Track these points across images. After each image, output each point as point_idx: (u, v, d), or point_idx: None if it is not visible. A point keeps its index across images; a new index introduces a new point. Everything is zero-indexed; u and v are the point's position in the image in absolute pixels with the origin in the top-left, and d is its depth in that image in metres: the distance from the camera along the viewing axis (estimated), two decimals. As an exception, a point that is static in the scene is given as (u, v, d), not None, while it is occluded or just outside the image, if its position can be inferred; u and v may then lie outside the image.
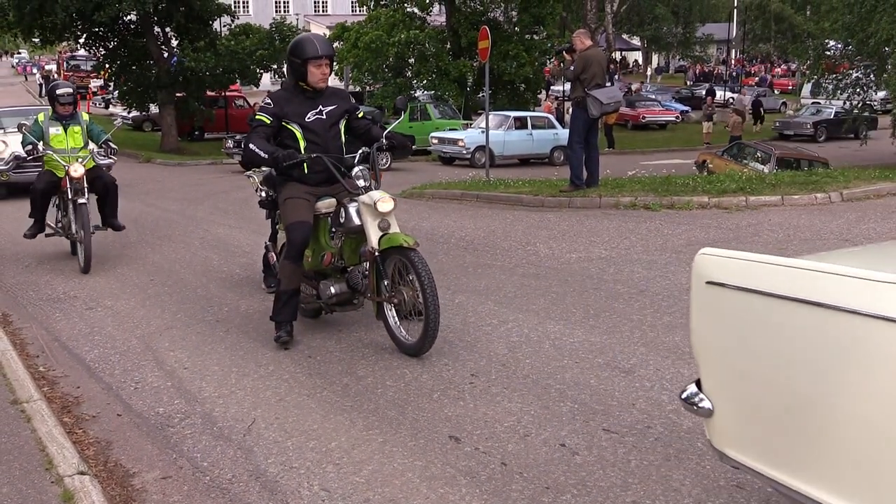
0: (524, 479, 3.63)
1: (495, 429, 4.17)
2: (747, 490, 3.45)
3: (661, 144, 33.26)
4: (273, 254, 6.53)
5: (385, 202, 5.15)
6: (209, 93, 31.81)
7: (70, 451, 3.95)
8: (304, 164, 5.45)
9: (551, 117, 27.69)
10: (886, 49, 19.03)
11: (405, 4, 31.71)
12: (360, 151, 6.44)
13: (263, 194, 7.68)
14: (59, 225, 8.99)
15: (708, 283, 2.69)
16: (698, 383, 2.78)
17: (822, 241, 7.99)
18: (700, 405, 2.73)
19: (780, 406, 2.46)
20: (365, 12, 33.81)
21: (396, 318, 5.32)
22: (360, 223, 5.28)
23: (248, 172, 8.13)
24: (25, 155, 8.79)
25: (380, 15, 31.37)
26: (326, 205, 5.60)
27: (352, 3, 53.37)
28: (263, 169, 6.89)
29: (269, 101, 5.55)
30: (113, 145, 8.87)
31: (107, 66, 30.59)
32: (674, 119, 41.28)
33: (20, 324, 6.52)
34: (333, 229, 5.68)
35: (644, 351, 5.18)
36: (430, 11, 32.01)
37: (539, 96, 35.70)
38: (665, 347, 5.19)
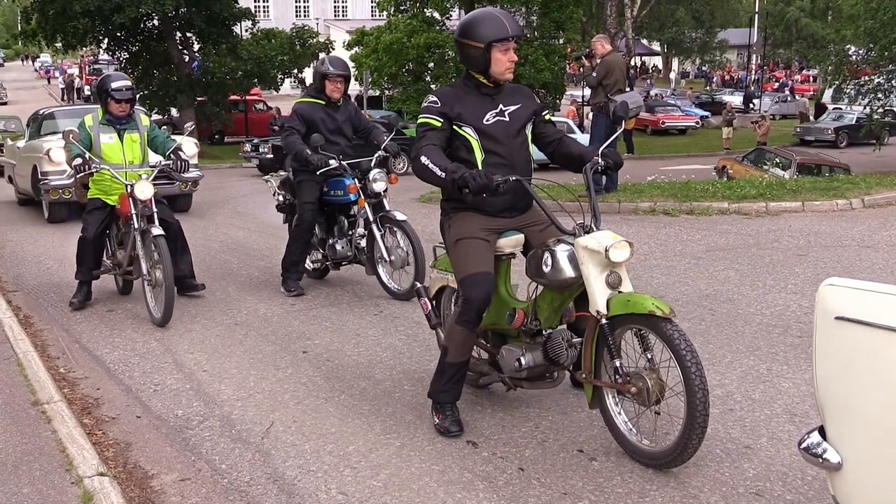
0: (541, 485, 3.62)
1: (513, 434, 4.16)
2: (766, 498, 3.43)
3: (681, 150, 33.15)
4: (426, 300, 4.80)
5: (620, 249, 3.62)
6: (232, 97, 32.06)
7: (90, 453, 3.97)
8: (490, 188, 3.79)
9: (571, 122, 27.63)
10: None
11: (424, 9, 31.75)
12: (375, 156, 6.23)
13: (281, 198, 7.56)
14: (112, 261, 7.11)
15: (837, 318, 2.39)
16: (822, 431, 2.51)
17: (844, 248, 7.93)
18: (825, 457, 2.45)
19: None
20: (385, 17, 33.87)
21: (624, 413, 3.86)
22: (575, 275, 3.77)
23: (266, 176, 8.07)
24: (77, 171, 6.41)
25: (399, 20, 31.43)
26: (512, 243, 4.17)
27: (371, 7, 53.47)
28: (281, 172, 6.85)
29: (435, 98, 4.10)
30: (185, 155, 6.81)
31: (129, 70, 30.83)
32: (693, 124, 41.14)
33: (41, 326, 6.57)
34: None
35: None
36: (450, 16, 32.04)
37: (558, 101, 35.62)
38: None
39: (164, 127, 17.18)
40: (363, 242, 7.04)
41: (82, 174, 6.40)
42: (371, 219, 6.87)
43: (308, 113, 6.96)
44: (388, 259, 6.84)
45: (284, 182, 7.56)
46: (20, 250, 10.13)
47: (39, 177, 11.81)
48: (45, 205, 12.29)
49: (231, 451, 4.11)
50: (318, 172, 6.84)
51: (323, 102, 6.99)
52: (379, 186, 6.84)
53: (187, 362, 5.53)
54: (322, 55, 7.08)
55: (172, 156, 6.70)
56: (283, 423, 4.42)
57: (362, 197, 6.90)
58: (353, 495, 3.60)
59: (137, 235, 6.43)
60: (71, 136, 6.37)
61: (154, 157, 7.08)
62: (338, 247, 7.18)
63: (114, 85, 6.64)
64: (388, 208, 6.89)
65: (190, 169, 7.18)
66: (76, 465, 3.84)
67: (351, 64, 34.67)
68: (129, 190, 6.40)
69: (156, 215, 6.44)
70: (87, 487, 3.62)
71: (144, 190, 6.32)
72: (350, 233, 7.18)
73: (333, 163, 6.78)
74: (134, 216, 6.40)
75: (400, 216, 6.80)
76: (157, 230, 6.28)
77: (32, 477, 3.78)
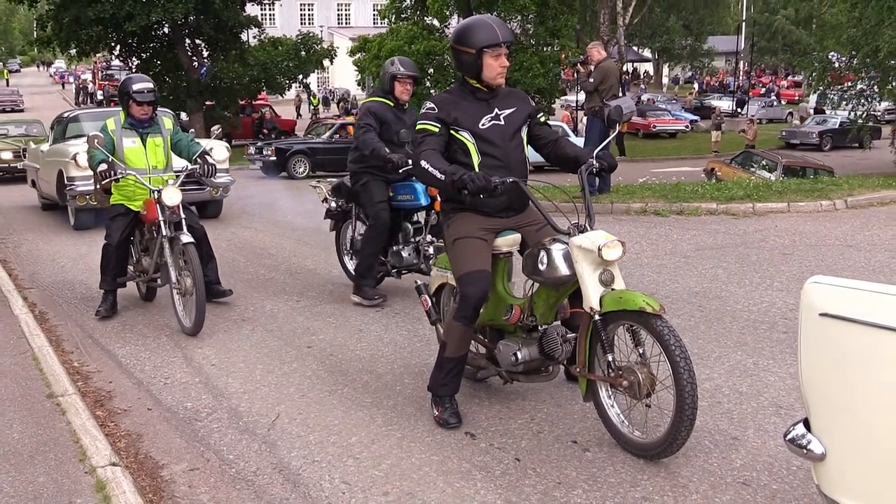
0: (537, 475, 3.62)
1: (509, 426, 4.16)
2: (753, 487, 3.43)
3: (671, 152, 33.15)
4: (427, 297, 4.72)
5: (612, 248, 3.63)
6: (240, 102, 32.12)
7: (103, 443, 3.97)
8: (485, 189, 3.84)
9: (565, 126, 27.61)
10: (893, 62, 18.89)
11: (424, 17, 31.76)
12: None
13: (333, 205, 6.88)
14: (136, 268, 6.71)
15: (822, 315, 2.40)
16: (806, 423, 2.51)
17: (827, 248, 7.93)
18: (809, 448, 2.45)
19: None
20: (386, 24, 33.88)
21: (616, 405, 3.88)
22: (569, 273, 3.78)
23: (312, 182, 7.19)
24: (103, 177, 6.04)
25: (400, 28, 31.45)
26: (509, 242, 4.18)
27: (373, 15, 53.47)
28: (331, 179, 6.32)
29: (433, 105, 4.10)
30: (212, 159, 6.35)
31: (140, 76, 30.78)
32: (683, 128, 41.15)
33: (56, 321, 6.58)
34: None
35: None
36: (449, 24, 32.04)
37: (552, 106, 35.62)
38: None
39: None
40: (431, 249, 6.47)
41: (107, 180, 6.02)
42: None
43: (380, 112, 6.42)
44: None
45: (338, 188, 6.93)
46: (35, 249, 10.13)
47: (65, 182, 11.07)
48: (70, 211, 11.58)
49: (238, 442, 4.11)
50: (399, 171, 6.15)
51: (391, 103, 6.49)
52: None
53: (196, 357, 5.53)
54: (393, 58, 6.38)
55: (199, 160, 6.27)
56: (289, 415, 4.43)
57: (439, 200, 6.00)
58: (355, 484, 3.60)
59: (166, 242, 6.06)
60: (96, 141, 6.00)
61: (178, 162, 6.62)
62: (404, 254, 6.59)
63: (135, 87, 6.23)
64: None
65: (219, 174, 6.81)
66: (89, 455, 3.84)
67: (353, 69, 34.80)
68: (155, 196, 6.03)
69: (184, 222, 6.07)
70: (100, 477, 3.62)
71: (172, 196, 5.98)
72: (415, 239, 6.62)
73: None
74: (162, 223, 6.03)
75: None
76: (186, 237, 5.88)
77: (48, 466, 3.78)
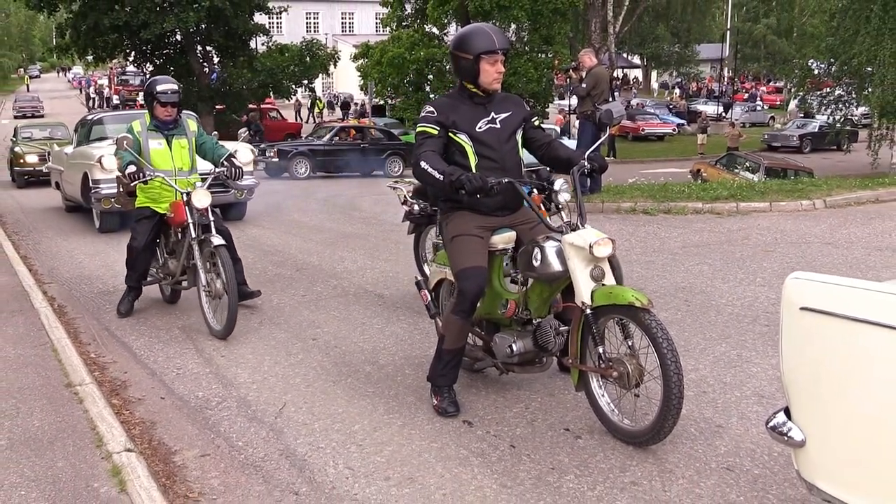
0: (531, 461, 3.62)
1: (505, 414, 4.16)
2: (736, 472, 3.44)
3: (659, 154, 33.17)
4: (426, 291, 4.66)
5: (603, 245, 3.63)
6: (250, 105, 32.08)
7: (118, 430, 3.97)
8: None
9: (558, 129, 27.60)
10: (869, 69, 18.90)
11: (424, 25, 31.73)
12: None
13: (416, 207, 6.15)
14: (162, 271, 6.40)
15: (802, 308, 2.41)
16: (787, 412, 2.52)
17: (807, 245, 7.94)
18: (790, 435, 2.47)
19: (877, 438, 2.21)
20: (388, 32, 33.85)
21: (607, 395, 3.86)
22: (562, 269, 3.76)
23: (390, 183, 6.59)
24: (131, 179, 5.74)
25: (401, 35, 31.42)
26: (505, 240, 4.16)
27: (376, 23, 53.37)
28: (410, 180, 5.42)
29: (432, 108, 4.10)
30: (238, 161, 6.08)
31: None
32: (671, 131, 41.15)
33: (74, 314, 6.57)
34: (514, 271, 4.28)
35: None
36: (447, 32, 32.02)
37: (546, 110, 35.59)
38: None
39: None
40: None
41: (135, 182, 5.74)
42: None
43: None
44: None
45: (420, 190, 6.21)
46: (54, 246, 10.12)
47: (90, 185, 10.51)
48: (95, 214, 11.05)
49: (247, 430, 4.11)
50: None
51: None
52: (564, 197, 5.66)
53: (207, 348, 5.52)
54: None
55: (226, 163, 6.00)
56: (295, 404, 4.42)
57: (544, 209, 5.37)
58: (358, 470, 3.60)
59: (195, 245, 5.74)
60: (125, 142, 5.69)
61: (202, 164, 6.32)
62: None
63: (160, 88, 5.95)
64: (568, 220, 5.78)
65: (245, 176, 6.47)
66: (106, 441, 3.84)
67: (356, 75, 34.71)
68: (184, 198, 5.76)
69: (213, 224, 5.78)
70: (115, 462, 3.62)
71: (202, 198, 5.68)
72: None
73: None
74: (191, 225, 5.73)
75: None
76: (217, 240, 5.58)
77: (66, 452, 3.78)
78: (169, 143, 6.04)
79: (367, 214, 12.96)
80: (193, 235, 5.73)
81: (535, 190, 5.13)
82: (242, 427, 4.15)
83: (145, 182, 5.84)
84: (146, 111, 6.20)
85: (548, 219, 3.99)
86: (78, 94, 65.27)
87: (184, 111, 6.28)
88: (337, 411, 4.30)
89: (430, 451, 3.76)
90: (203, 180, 6.03)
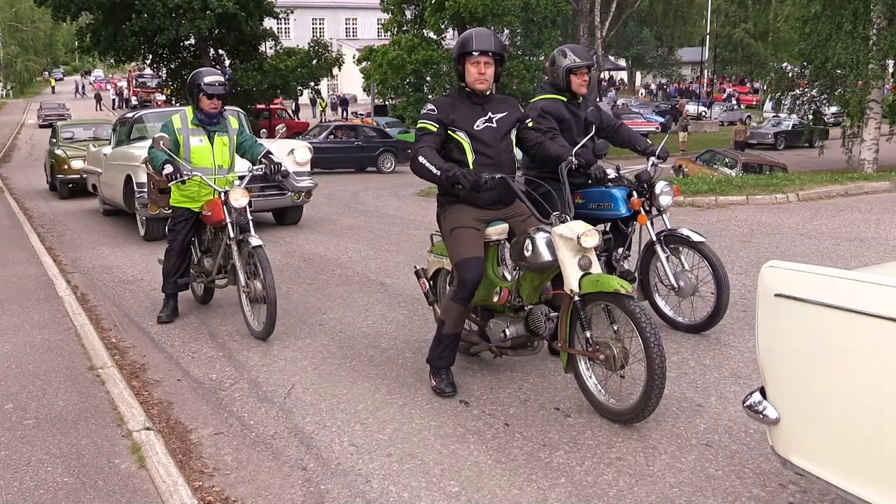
0: (524, 438, 3.63)
1: (499, 394, 4.16)
2: (714, 448, 3.44)
3: (643, 151, 33.07)
4: (425, 280, 4.63)
5: (590, 237, 3.62)
6: (258, 106, 32.01)
7: (138, 410, 3.97)
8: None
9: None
10: (839, 71, 18.85)
11: (423, 30, 31.68)
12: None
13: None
14: (197, 269, 5.94)
15: (777, 295, 2.41)
16: (762, 391, 2.52)
17: (781, 236, 7.94)
18: (765, 413, 2.48)
19: (846, 415, 2.22)
20: (389, 36, 33.77)
21: (594, 376, 3.86)
22: (552, 259, 3.76)
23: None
24: (169, 179, 5.21)
25: (401, 39, 31.37)
26: (498, 231, 4.15)
27: (378, 28, 53.19)
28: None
29: (433, 107, 4.08)
30: (276, 159, 5.56)
31: (169, 83, 30.73)
32: (654, 129, 41.08)
33: (96, 302, 6.56)
34: (506, 261, 4.27)
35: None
36: (445, 36, 31.97)
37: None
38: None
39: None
40: (626, 264, 5.19)
41: (173, 182, 5.24)
42: (654, 238, 4.99)
43: (555, 110, 5.02)
44: (676, 285, 4.93)
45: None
46: (77, 237, 10.10)
47: (135, 188, 9.12)
48: (139, 221, 9.69)
49: (258, 409, 4.11)
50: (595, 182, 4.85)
51: (565, 99, 5.09)
52: (666, 201, 4.99)
53: (220, 333, 5.52)
54: (563, 47, 4.92)
55: (264, 160, 5.51)
56: (303, 386, 4.42)
57: (643, 213, 4.98)
58: (362, 447, 3.60)
59: (234, 245, 5.32)
60: (161, 142, 5.23)
61: (240, 163, 5.84)
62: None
63: (206, 80, 5.40)
64: (668, 225, 5.03)
65: (302, 178, 5.80)
66: (126, 420, 3.84)
67: (360, 77, 34.59)
68: (222, 197, 5.32)
69: (251, 224, 5.35)
70: (135, 440, 3.62)
71: (240, 197, 5.25)
72: (603, 255, 5.43)
73: (612, 173, 4.87)
74: (229, 224, 5.30)
75: (696, 236, 4.88)
76: (255, 240, 5.13)
77: (89, 430, 3.78)
78: (211, 140, 5.56)
79: (369, 208, 12.96)
80: (232, 236, 5.31)
81: (634, 193, 4.98)
82: (254, 407, 4.15)
83: (183, 182, 5.36)
84: (187, 107, 5.72)
85: (537, 212, 3.98)
86: (85, 97, 64.50)
87: (227, 107, 5.80)
88: (342, 392, 4.30)
89: (429, 429, 3.76)
90: (241, 179, 5.60)
